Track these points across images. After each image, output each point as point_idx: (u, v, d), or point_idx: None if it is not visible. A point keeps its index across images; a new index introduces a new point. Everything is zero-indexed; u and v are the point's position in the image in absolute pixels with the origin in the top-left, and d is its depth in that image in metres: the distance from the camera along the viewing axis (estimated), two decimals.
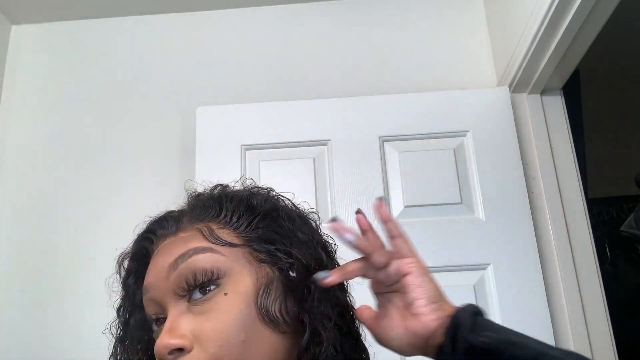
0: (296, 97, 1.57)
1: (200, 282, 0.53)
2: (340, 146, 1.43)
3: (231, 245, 0.56)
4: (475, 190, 1.39)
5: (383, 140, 1.44)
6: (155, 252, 0.59)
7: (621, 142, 2.63)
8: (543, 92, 1.51)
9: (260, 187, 0.66)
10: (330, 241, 0.65)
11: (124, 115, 1.64)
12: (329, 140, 1.44)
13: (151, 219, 0.64)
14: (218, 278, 0.53)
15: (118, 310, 0.62)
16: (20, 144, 1.63)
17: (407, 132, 1.44)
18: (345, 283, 0.63)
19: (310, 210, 0.68)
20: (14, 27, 1.76)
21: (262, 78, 1.65)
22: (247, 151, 1.44)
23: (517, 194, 1.37)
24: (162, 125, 1.61)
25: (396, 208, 1.38)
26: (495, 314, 1.27)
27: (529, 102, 1.51)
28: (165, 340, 0.51)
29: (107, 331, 0.62)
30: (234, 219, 0.59)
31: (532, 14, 1.28)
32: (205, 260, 0.54)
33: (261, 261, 0.57)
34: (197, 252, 0.55)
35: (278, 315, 0.54)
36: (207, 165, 1.41)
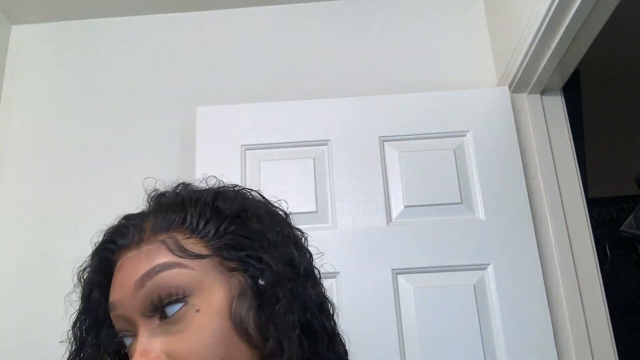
0: (296, 97, 1.57)
1: (168, 302, 0.50)
2: (340, 146, 1.43)
3: (199, 257, 0.53)
4: (475, 190, 1.39)
5: (383, 140, 1.44)
6: (118, 266, 0.55)
7: (621, 142, 2.64)
8: (543, 92, 1.51)
9: (225, 185, 0.62)
10: (300, 232, 0.63)
11: (124, 115, 1.64)
12: (329, 140, 1.44)
13: (110, 227, 0.60)
14: (188, 295, 0.51)
15: (75, 324, 0.59)
16: (20, 143, 1.63)
17: (407, 132, 1.44)
18: (317, 275, 0.60)
19: (279, 200, 0.65)
20: (14, 27, 1.76)
21: (262, 78, 1.65)
22: (247, 151, 1.44)
23: (517, 194, 1.37)
24: (162, 125, 1.61)
25: (396, 208, 1.38)
26: (495, 314, 1.28)
27: (529, 102, 1.51)
28: None
29: (64, 340, 0.60)
30: (201, 226, 0.55)
31: (532, 14, 1.28)
32: (172, 278, 0.51)
33: (232, 270, 0.53)
34: (164, 268, 0.51)
35: (252, 327, 0.52)
36: (207, 165, 1.41)
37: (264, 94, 1.61)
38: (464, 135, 1.43)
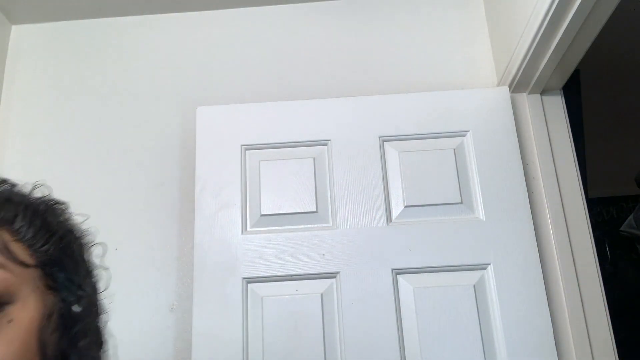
0: (296, 97, 1.57)
1: None
2: (340, 146, 1.44)
3: (24, 264, 0.49)
4: (475, 190, 1.39)
5: (383, 140, 1.44)
6: None
7: (621, 142, 2.64)
8: (543, 92, 1.51)
9: (51, 200, 0.59)
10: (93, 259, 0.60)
11: (124, 115, 1.64)
12: (329, 140, 1.45)
13: None
14: (6, 303, 0.46)
15: None
16: (20, 143, 1.63)
17: (407, 132, 1.44)
18: (98, 309, 0.57)
19: (88, 230, 0.61)
20: (14, 27, 1.76)
21: (262, 78, 1.65)
22: (247, 151, 1.44)
23: (517, 194, 1.37)
24: (162, 125, 1.62)
25: (396, 208, 1.38)
26: (495, 314, 1.28)
27: (529, 102, 1.51)
28: None
29: None
30: (30, 234, 0.51)
31: (532, 14, 1.28)
32: None
33: (48, 288, 0.50)
34: None
35: (51, 352, 0.48)
36: (208, 165, 1.41)
37: (263, 94, 1.61)
38: (464, 135, 1.43)
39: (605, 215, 2.76)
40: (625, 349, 1.43)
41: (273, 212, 1.37)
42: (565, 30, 1.22)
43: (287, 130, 1.46)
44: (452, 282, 1.31)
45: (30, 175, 1.59)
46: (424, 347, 1.26)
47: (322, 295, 1.31)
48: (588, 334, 1.32)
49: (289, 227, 1.36)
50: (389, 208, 1.38)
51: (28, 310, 0.48)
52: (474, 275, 1.32)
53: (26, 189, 0.58)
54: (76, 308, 0.51)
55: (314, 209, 1.38)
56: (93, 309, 0.53)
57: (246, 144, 1.45)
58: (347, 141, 1.44)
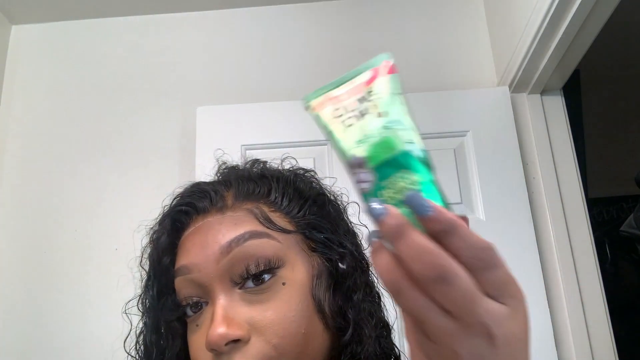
0: (296, 97, 1.57)
1: (261, 270, 0.49)
2: None
3: (285, 231, 0.52)
4: (475, 190, 1.39)
5: None
6: (195, 229, 0.53)
7: (621, 142, 2.63)
8: (543, 92, 1.51)
9: (300, 168, 0.62)
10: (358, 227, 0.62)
11: (124, 115, 1.64)
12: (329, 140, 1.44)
13: (183, 189, 0.58)
14: (277, 267, 0.50)
15: (145, 289, 0.56)
16: (20, 143, 1.63)
17: None
18: (363, 263, 0.58)
19: (341, 192, 0.64)
20: (14, 27, 1.76)
21: (262, 78, 1.65)
22: (247, 151, 1.44)
23: (517, 194, 1.37)
24: (162, 125, 1.61)
25: None
26: None
27: (529, 102, 1.51)
28: (221, 329, 0.46)
29: (129, 311, 0.58)
30: (285, 203, 0.55)
31: (532, 14, 1.28)
32: (262, 247, 0.50)
33: (312, 250, 0.53)
34: (253, 236, 0.50)
35: (328, 309, 0.51)
36: (208, 165, 1.41)
37: (263, 94, 1.61)
38: (464, 135, 1.43)
39: (605, 215, 2.76)
40: (625, 349, 1.43)
41: None
42: (565, 30, 1.22)
43: (287, 130, 1.46)
44: None
45: (30, 174, 1.59)
46: None
47: None
48: (588, 334, 1.32)
49: None
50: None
51: (298, 272, 0.51)
52: None
53: (276, 163, 0.62)
54: (342, 265, 0.53)
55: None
56: (359, 264, 0.55)
57: (246, 144, 1.45)
58: None
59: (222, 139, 1.45)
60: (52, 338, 1.43)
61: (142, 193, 1.53)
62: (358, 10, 1.71)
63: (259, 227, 0.51)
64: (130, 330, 0.58)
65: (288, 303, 0.49)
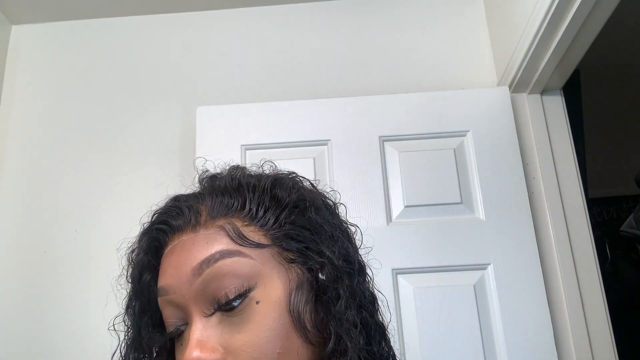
0: (296, 97, 1.57)
1: (230, 299, 0.49)
2: (340, 146, 1.43)
3: (259, 246, 0.51)
4: (475, 190, 1.39)
5: (383, 140, 1.44)
6: (170, 248, 0.53)
7: (621, 142, 2.63)
8: (543, 92, 1.51)
9: (281, 172, 0.60)
10: (350, 225, 0.61)
11: (124, 115, 1.64)
12: (329, 140, 1.44)
13: (160, 207, 0.57)
14: (248, 290, 0.49)
15: (127, 308, 0.57)
16: (20, 143, 1.63)
17: (407, 132, 1.44)
18: (367, 269, 0.58)
19: (329, 190, 0.62)
20: (14, 27, 1.76)
21: (262, 78, 1.65)
22: (247, 151, 1.44)
23: (517, 194, 1.37)
24: (162, 125, 1.61)
25: (396, 208, 1.38)
26: (495, 314, 1.28)
27: (529, 102, 1.51)
28: (195, 353, 0.47)
29: (111, 328, 0.58)
30: (260, 214, 0.53)
31: (532, 14, 1.28)
32: (233, 266, 0.49)
33: (290, 261, 0.52)
34: (224, 255, 0.49)
35: (308, 322, 0.50)
36: (207, 165, 1.41)
37: (264, 94, 1.61)
38: (464, 135, 1.43)
39: (605, 215, 2.76)
40: (625, 349, 1.43)
41: None
42: (565, 30, 1.22)
43: (287, 130, 1.46)
44: (452, 282, 1.31)
45: (30, 174, 1.59)
46: (424, 347, 1.26)
47: None
48: (588, 334, 1.32)
49: None
50: (389, 208, 1.38)
51: (273, 288, 0.50)
52: (474, 275, 1.32)
53: (255, 169, 0.60)
54: (321, 276, 0.52)
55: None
56: (344, 270, 0.53)
57: (246, 144, 1.45)
58: (347, 141, 1.44)
59: (222, 139, 1.45)
60: (53, 338, 1.43)
61: (142, 193, 1.53)
62: (358, 10, 1.71)
63: (231, 246, 0.50)
64: (119, 345, 0.58)
65: (261, 324, 0.48)
